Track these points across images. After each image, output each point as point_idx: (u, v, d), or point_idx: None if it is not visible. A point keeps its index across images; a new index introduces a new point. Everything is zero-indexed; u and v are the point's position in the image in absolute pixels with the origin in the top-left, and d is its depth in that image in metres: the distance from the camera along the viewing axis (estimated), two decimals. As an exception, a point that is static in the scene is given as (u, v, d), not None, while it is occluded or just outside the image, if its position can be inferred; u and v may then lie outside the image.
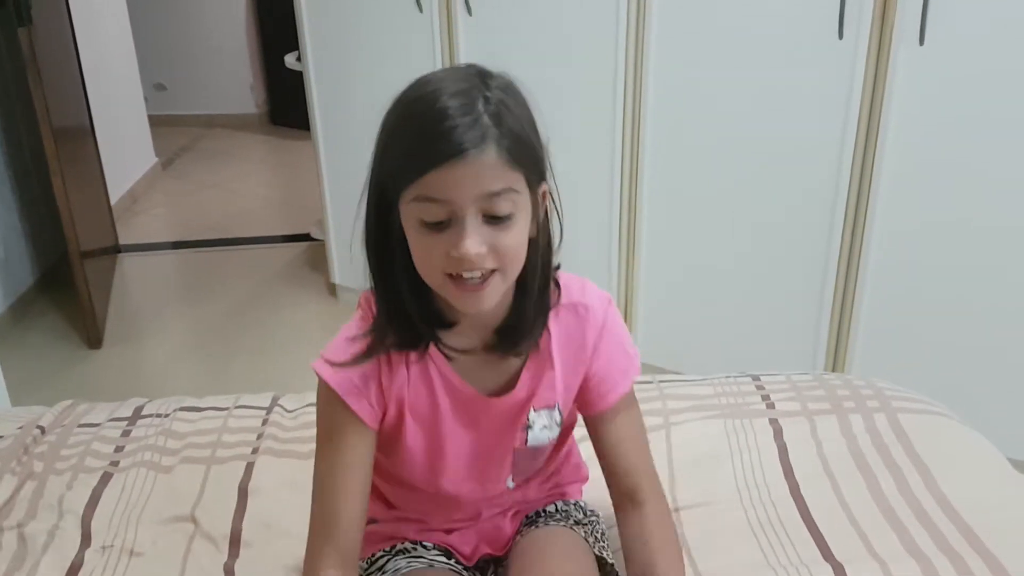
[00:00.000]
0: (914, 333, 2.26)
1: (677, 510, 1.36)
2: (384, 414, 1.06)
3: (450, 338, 1.05)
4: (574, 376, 1.10)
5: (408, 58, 2.74)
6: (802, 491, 1.38)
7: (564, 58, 2.48)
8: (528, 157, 0.94)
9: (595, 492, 1.26)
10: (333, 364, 1.03)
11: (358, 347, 1.03)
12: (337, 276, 3.30)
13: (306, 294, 3.46)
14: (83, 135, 3.61)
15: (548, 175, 0.99)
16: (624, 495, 1.14)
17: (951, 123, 2.06)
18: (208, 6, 5.51)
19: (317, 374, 1.04)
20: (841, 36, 2.10)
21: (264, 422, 1.62)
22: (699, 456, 1.48)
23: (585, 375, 1.10)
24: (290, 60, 3.83)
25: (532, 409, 1.10)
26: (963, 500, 1.32)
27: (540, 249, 1.00)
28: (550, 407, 1.11)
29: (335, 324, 3.42)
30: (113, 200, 4.05)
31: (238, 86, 5.68)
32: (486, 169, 0.90)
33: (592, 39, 2.42)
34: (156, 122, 4.92)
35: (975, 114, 2.03)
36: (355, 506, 1.06)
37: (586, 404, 1.13)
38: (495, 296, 0.96)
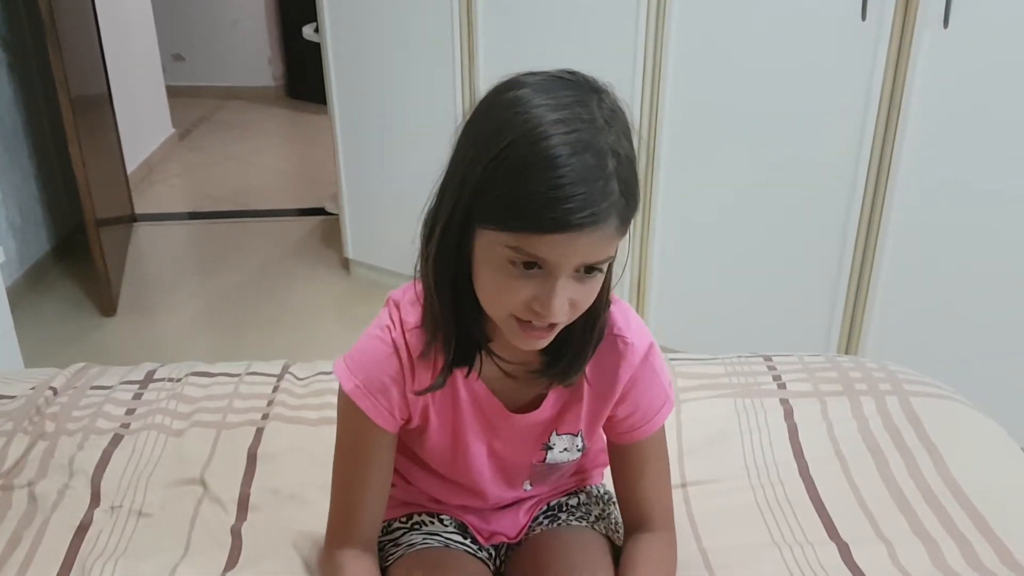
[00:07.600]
0: (929, 317, 2.25)
1: (685, 486, 1.36)
2: (408, 419, 1.05)
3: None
4: (603, 407, 1.06)
5: (426, 32, 2.73)
6: (811, 471, 1.38)
7: (584, 36, 2.46)
8: (635, 211, 0.85)
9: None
10: (363, 389, 0.99)
11: (394, 366, 0.99)
12: (351, 251, 3.30)
13: (319, 268, 3.46)
14: (101, 104, 3.61)
15: None
16: (634, 522, 1.13)
17: (974, 107, 2.04)
18: (227, -23, 5.50)
19: (339, 382, 1.01)
20: (864, 18, 2.07)
21: (275, 389, 1.63)
22: (708, 434, 1.48)
23: (616, 410, 1.07)
24: (308, 31, 3.83)
25: (555, 432, 1.08)
26: (973, 485, 1.32)
27: (605, 280, 0.93)
28: (573, 434, 1.09)
29: (348, 298, 3.41)
30: (129, 169, 4.07)
31: (256, 58, 5.68)
32: (600, 242, 0.82)
33: (612, 15, 2.40)
34: (174, 93, 4.93)
35: (999, 99, 2.00)
36: (375, 504, 1.06)
37: (614, 435, 1.11)
38: (553, 336, 0.91)
